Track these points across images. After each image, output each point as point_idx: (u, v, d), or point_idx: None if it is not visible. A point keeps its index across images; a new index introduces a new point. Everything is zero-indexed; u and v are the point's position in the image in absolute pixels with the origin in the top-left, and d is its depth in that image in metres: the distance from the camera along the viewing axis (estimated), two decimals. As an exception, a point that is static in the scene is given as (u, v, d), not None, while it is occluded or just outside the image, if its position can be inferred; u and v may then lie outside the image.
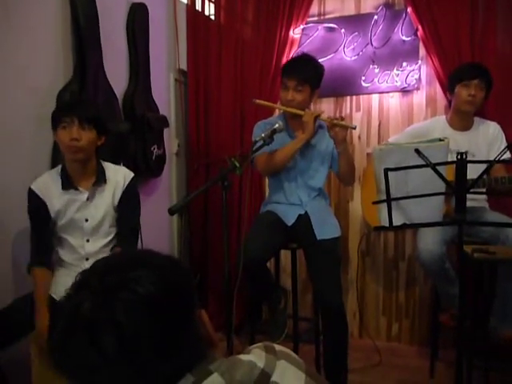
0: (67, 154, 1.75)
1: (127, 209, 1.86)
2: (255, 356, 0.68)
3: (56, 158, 2.03)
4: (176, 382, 0.62)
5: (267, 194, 2.33)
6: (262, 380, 0.64)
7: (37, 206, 1.76)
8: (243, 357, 0.68)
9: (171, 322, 0.62)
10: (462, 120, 2.32)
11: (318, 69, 2.15)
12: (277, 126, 1.86)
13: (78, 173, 1.78)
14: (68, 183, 1.78)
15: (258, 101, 2.15)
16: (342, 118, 2.03)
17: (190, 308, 0.66)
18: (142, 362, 0.60)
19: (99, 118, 1.78)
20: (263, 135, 1.81)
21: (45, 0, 2.05)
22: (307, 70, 2.09)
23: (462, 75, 2.24)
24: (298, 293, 2.23)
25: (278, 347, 0.72)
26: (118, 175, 1.86)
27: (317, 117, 2.04)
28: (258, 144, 1.81)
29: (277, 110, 2.65)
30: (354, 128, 2.09)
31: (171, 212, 1.52)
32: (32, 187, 1.77)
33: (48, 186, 1.78)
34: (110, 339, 0.58)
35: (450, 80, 2.35)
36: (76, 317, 0.60)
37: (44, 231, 1.78)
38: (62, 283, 1.72)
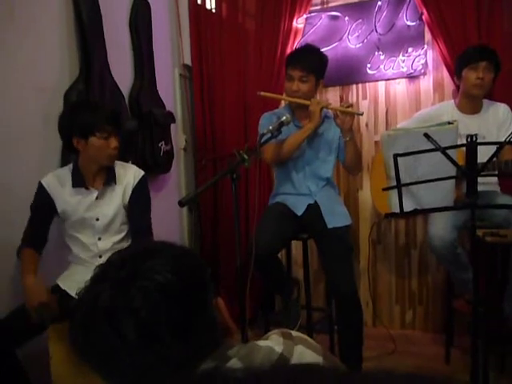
0: (103, 161, 1.77)
1: (138, 207, 1.86)
2: (273, 342, 0.69)
3: (66, 158, 2.04)
4: (194, 367, 0.62)
5: (275, 185, 2.33)
6: (280, 364, 0.65)
7: (43, 201, 1.78)
8: (261, 343, 0.69)
9: (187, 308, 0.63)
10: (470, 103, 2.28)
11: (322, 58, 2.14)
12: (284, 118, 1.84)
13: (93, 173, 1.80)
14: (80, 181, 1.79)
15: (262, 93, 2.12)
16: (350, 105, 2.02)
17: (206, 294, 0.67)
18: (161, 346, 0.61)
19: None
20: (271, 128, 1.79)
21: (48, -1, 2.06)
22: (311, 60, 2.08)
23: (469, 58, 2.19)
24: (310, 283, 2.23)
25: (294, 333, 0.73)
26: (128, 174, 1.87)
27: (324, 107, 2.03)
28: (266, 137, 1.80)
29: (282, 101, 2.64)
30: (361, 114, 2.07)
31: (181, 204, 1.52)
32: (42, 182, 1.78)
33: (58, 182, 1.80)
34: (129, 325, 0.59)
35: (456, 64, 2.30)
36: (95, 306, 0.61)
37: (42, 225, 1.80)
38: (78, 279, 1.72)
